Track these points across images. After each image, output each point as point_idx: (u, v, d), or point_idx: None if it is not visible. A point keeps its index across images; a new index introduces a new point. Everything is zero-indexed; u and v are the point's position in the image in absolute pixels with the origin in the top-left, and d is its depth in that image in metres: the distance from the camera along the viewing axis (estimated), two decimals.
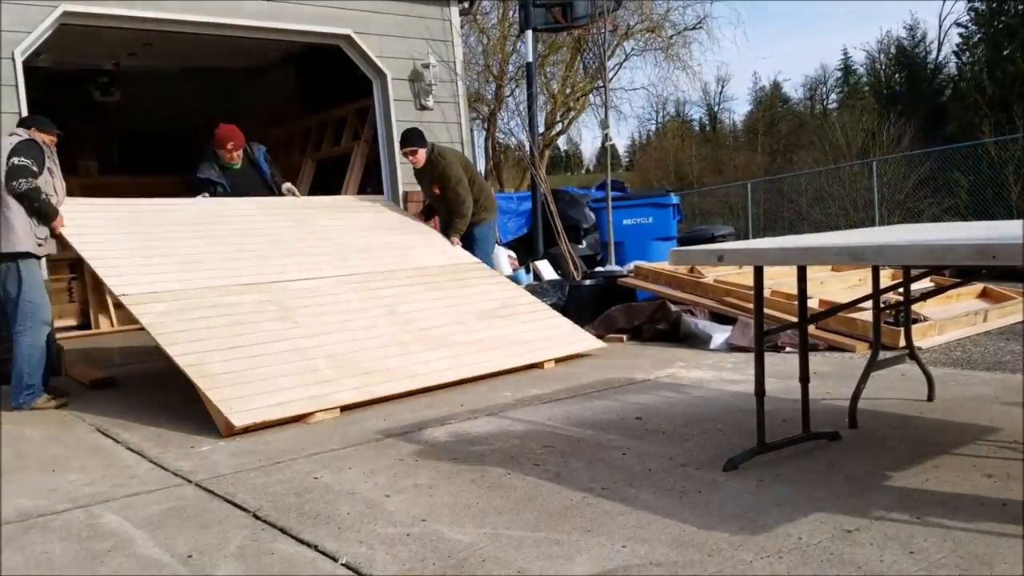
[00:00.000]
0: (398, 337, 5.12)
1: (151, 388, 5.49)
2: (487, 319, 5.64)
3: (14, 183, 4.79)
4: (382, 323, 5.23)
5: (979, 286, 6.82)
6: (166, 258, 5.21)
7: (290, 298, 5.18)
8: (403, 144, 6.88)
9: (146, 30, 6.93)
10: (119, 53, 8.48)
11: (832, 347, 5.51)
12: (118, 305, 8.52)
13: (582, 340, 5.85)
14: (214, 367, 4.35)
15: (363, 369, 4.71)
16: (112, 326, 8.59)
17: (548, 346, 5.57)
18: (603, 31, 8.67)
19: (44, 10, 6.17)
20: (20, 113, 6.08)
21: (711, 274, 6.63)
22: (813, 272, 6.81)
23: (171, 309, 4.74)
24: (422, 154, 6.73)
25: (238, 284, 5.16)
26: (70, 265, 8.72)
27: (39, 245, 4.94)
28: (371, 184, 8.77)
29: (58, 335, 6.60)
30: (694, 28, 21.89)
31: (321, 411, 4.29)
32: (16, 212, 4.83)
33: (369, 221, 6.71)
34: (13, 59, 6.05)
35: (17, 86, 6.07)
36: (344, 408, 4.39)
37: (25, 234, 4.84)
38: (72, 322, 8.63)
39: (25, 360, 4.89)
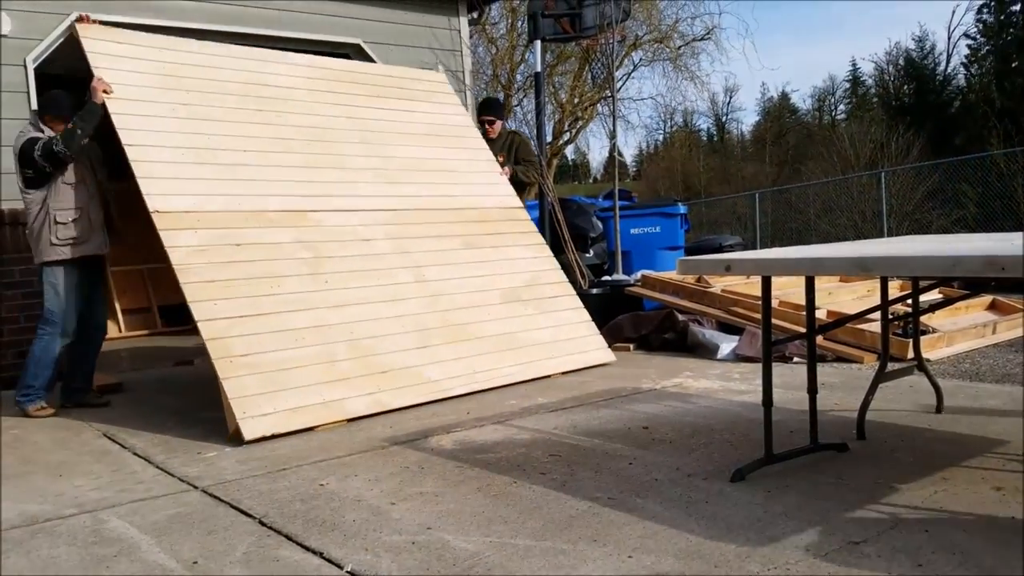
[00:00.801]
0: (421, 321, 5.06)
1: (158, 393, 5.51)
2: (510, 303, 5.57)
3: (36, 156, 4.71)
4: (410, 295, 5.14)
5: (988, 298, 6.79)
6: (203, 165, 4.91)
7: (325, 240, 5.05)
8: (482, 111, 7.02)
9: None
10: None
11: (840, 358, 5.49)
12: (126, 311, 8.58)
13: (595, 349, 5.81)
14: (235, 346, 4.28)
15: (379, 367, 4.68)
16: (120, 332, 8.61)
17: (560, 354, 5.55)
18: (611, 42, 8.69)
19: (56, 18, 6.22)
20: None
21: (718, 284, 6.62)
22: (821, 283, 6.79)
23: (203, 243, 4.56)
24: (499, 125, 6.95)
25: (277, 211, 4.98)
26: None
27: (69, 245, 4.84)
28: None
29: None
30: (702, 39, 21.94)
31: (332, 423, 4.29)
32: (38, 221, 4.81)
33: (423, 118, 6.30)
34: (25, 66, 6.10)
35: (28, 92, 6.12)
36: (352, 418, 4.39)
37: (45, 243, 4.81)
38: None
39: (33, 362, 4.90)
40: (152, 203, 4.53)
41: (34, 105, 6.15)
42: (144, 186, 4.56)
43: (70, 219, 4.84)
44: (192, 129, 4.98)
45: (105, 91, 4.74)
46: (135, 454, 3.95)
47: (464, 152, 6.34)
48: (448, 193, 5.92)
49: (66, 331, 4.93)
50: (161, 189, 4.63)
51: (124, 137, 4.67)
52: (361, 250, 5.16)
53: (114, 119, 4.74)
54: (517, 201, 6.39)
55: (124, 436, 4.30)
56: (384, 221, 5.41)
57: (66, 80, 8.96)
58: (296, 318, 4.59)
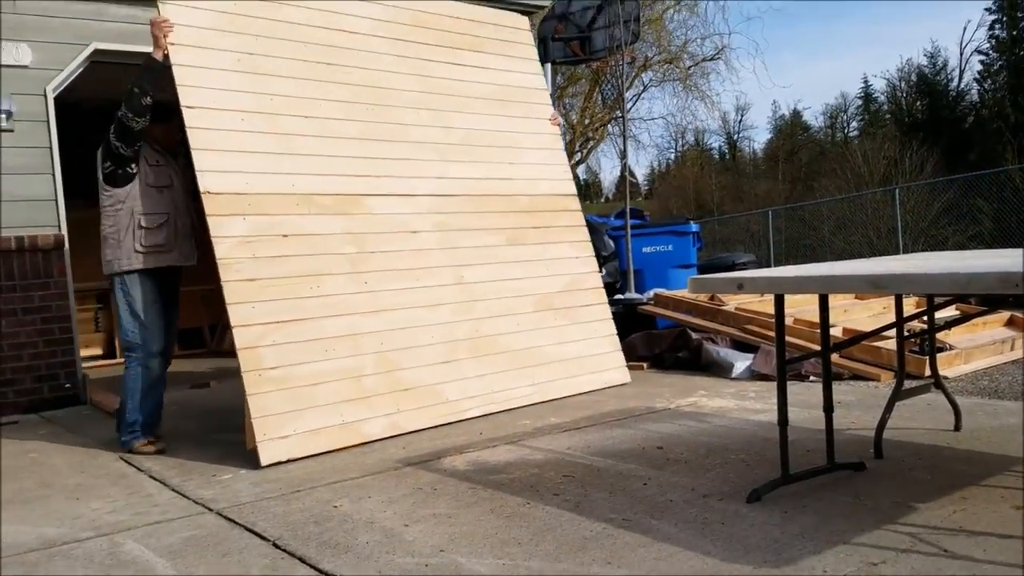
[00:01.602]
0: (452, 331, 5.00)
1: (174, 417, 5.53)
2: (543, 311, 5.51)
3: (111, 137, 4.40)
4: (446, 299, 5.05)
5: (1006, 314, 6.74)
6: (262, 135, 4.59)
7: (372, 232, 4.86)
8: None
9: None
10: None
11: (857, 376, 5.45)
12: None
13: (613, 368, 5.78)
14: (267, 357, 4.20)
15: (401, 384, 4.65)
16: None
17: (579, 372, 5.52)
18: (621, 63, 8.73)
19: (75, 48, 6.31)
20: (51, 148, 6.20)
21: (732, 302, 6.60)
22: (836, 300, 6.76)
23: (250, 232, 4.35)
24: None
25: (330, 195, 4.75)
26: (96, 295, 8.85)
27: (153, 253, 4.44)
28: None
29: (84, 364, 6.70)
30: (712, 59, 22.01)
31: (347, 447, 4.29)
32: (119, 226, 4.42)
33: (494, 77, 5.87)
34: (45, 96, 6.19)
35: (48, 121, 6.20)
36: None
37: (127, 250, 4.41)
38: (98, 351, 8.74)
39: (128, 396, 4.47)
40: (204, 181, 4.28)
41: (54, 133, 6.24)
42: (198, 160, 4.30)
43: (156, 224, 4.44)
44: (255, 87, 4.64)
45: (164, 35, 4.26)
46: (151, 477, 3.96)
47: (528, 123, 5.98)
48: (503, 175, 5.67)
49: (153, 351, 4.48)
50: (214, 164, 4.35)
51: (183, 96, 4.34)
52: (407, 244, 5.00)
53: (174, 72, 4.36)
54: (571, 186, 6.11)
55: (140, 459, 4.32)
56: (435, 209, 5.22)
57: (86, 108, 9.11)
58: (331, 324, 4.51)
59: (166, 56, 4.30)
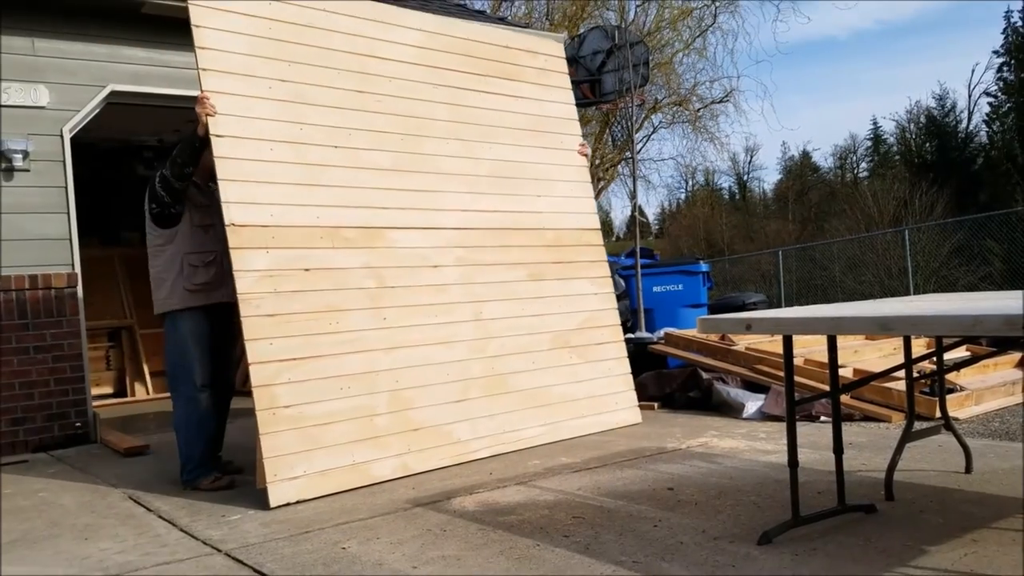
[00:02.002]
0: (467, 369, 4.99)
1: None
2: (558, 349, 5.49)
3: (151, 200, 4.50)
4: (463, 335, 5.04)
5: (1016, 355, 6.70)
6: (290, 165, 4.56)
7: (394, 266, 4.84)
8: None
9: (190, 108, 7.16)
10: (163, 129, 8.79)
11: (867, 417, 5.42)
12: (154, 373, 8.68)
13: (625, 408, 5.76)
14: (282, 396, 4.20)
15: (413, 423, 4.64)
16: (148, 394, 8.71)
17: (590, 413, 5.50)
18: (631, 106, 8.84)
19: (92, 90, 6.43)
20: (67, 187, 6.29)
21: (742, 342, 6.59)
22: (847, 340, 6.75)
23: (273, 267, 4.33)
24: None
25: (354, 228, 4.73)
26: (108, 333, 8.91)
27: (202, 291, 4.50)
28: None
29: (95, 403, 6.73)
30: (721, 101, 22.20)
31: (354, 488, 4.28)
32: (166, 267, 4.50)
33: (527, 107, 5.84)
34: (62, 136, 6.29)
35: (64, 161, 6.30)
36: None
37: (177, 289, 4.48)
38: (108, 390, 8.77)
39: (181, 430, 4.53)
40: (229, 213, 4.26)
41: (70, 173, 6.34)
42: (224, 190, 4.28)
43: (204, 263, 4.51)
44: (285, 115, 4.62)
45: (208, 114, 4.29)
46: (160, 517, 3.96)
47: (558, 155, 5.95)
48: (531, 208, 5.66)
49: (200, 386, 4.50)
50: (241, 195, 4.34)
51: (212, 125, 4.32)
52: (427, 279, 4.98)
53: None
54: (595, 220, 6.08)
55: (149, 499, 4.32)
56: (458, 243, 5.19)
57: (101, 148, 9.26)
58: (347, 362, 4.49)
59: (207, 131, 4.31)
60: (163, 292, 4.53)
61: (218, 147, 4.31)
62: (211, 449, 4.59)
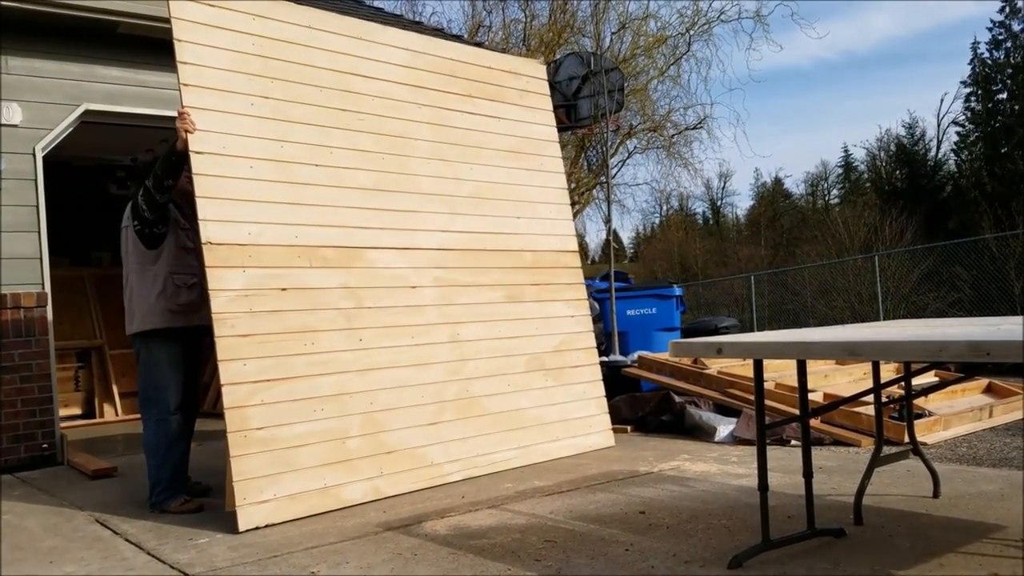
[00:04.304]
0: (441, 391, 4.96)
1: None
2: (533, 371, 5.48)
3: (133, 217, 4.46)
4: (439, 356, 5.01)
5: (984, 381, 6.80)
6: (270, 183, 4.52)
7: (371, 285, 4.81)
8: None
9: (164, 128, 7.14)
10: (137, 149, 8.73)
11: (837, 441, 5.47)
12: (124, 394, 8.56)
13: (598, 431, 5.76)
14: (253, 418, 4.14)
15: (386, 446, 4.60)
16: (117, 415, 8.59)
17: (564, 436, 5.51)
18: (606, 131, 8.93)
19: (66, 108, 6.39)
20: (38, 206, 6.23)
21: (715, 365, 6.64)
22: (817, 365, 6.81)
23: (249, 286, 4.28)
24: None
25: (333, 247, 4.70)
26: (77, 354, 8.79)
27: (184, 313, 4.46)
28: None
29: (63, 424, 6.63)
30: (695, 128, 22.44)
31: (325, 512, 4.24)
32: (148, 286, 4.44)
33: (509, 128, 5.86)
34: (34, 154, 6.24)
35: (36, 180, 6.24)
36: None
37: (158, 309, 4.42)
38: (77, 411, 8.64)
39: (149, 455, 4.49)
40: (207, 231, 4.20)
41: (41, 192, 6.28)
42: (202, 208, 4.23)
43: (188, 284, 4.48)
44: (267, 133, 4.58)
45: (188, 130, 4.24)
46: (127, 540, 3.90)
47: (539, 176, 5.98)
48: (509, 230, 5.66)
49: (171, 407, 4.46)
50: (220, 213, 4.28)
51: (193, 141, 4.27)
52: (405, 300, 4.96)
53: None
54: (573, 243, 6.11)
55: (116, 521, 4.26)
56: (436, 263, 5.18)
57: (74, 167, 9.18)
58: (321, 383, 4.45)
59: (186, 146, 4.26)
60: (143, 311, 4.46)
61: (197, 164, 4.28)
62: (180, 472, 4.53)
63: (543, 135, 6.13)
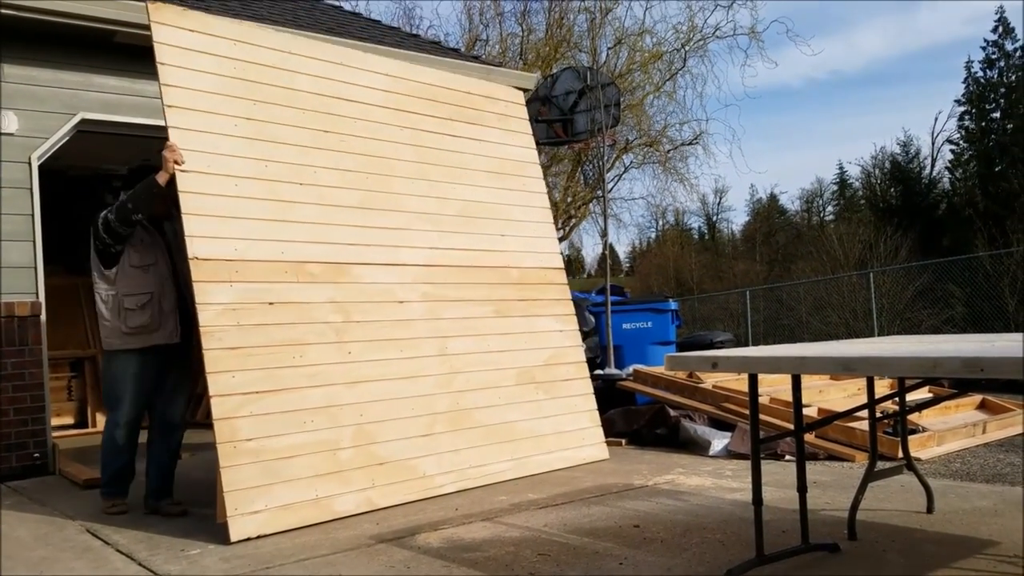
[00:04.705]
0: (432, 403, 4.97)
1: (143, 488, 5.42)
2: (523, 385, 5.49)
3: (94, 237, 4.53)
4: (428, 370, 5.03)
5: (978, 397, 6.81)
6: (256, 201, 4.58)
7: (360, 300, 4.86)
8: None
9: (161, 138, 7.13)
10: (133, 158, 8.73)
11: (832, 456, 5.47)
12: None
13: (591, 444, 5.76)
14: (243, 429, 4.15)
15: (378, 458, 4.60)
16: None
17: (557, 449, 5.50)
18: (602, 145, 8.97)
19: (62, 117, 6.39)
20: (33, 215, 6.22)
21: (709, 379, 6.64)
22: (812, 380, 6.82)
23: (236, 300, 4.32)
24: None
25: (320, 263, 4.74)
26: (71, 364, 8.75)
27: (139, 335, 4.49)
28: None
29: (55, 433, 6.59)
30: (690, 143, 22.54)
31: (317, 523, 4.21)
32: (107, 307, 4.53)
33: (490, 150, 5.96)
34: (30, 163, 6.24)
35: (32, 189, 6.24)
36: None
37: (115, 332, 4.51)
38: (69, 420, 8.60)
39: (102, 453, 4.67)
40: (193, 247, 4.25)
41: (37, 201, 6.27)
42: (188, 224, 4.28)
43: (139, 304, 4.48)
44: (251, 152, 4.66)
45: (176, 162, 4.27)
46: (117, 550, 3.88)
47: (522, 195, 6.09)
48: (495, 247, 5.74)
49: (119, 421, 4.55)
50: (206, 230, 4.34)
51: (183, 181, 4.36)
52: (393, 314, 5.00)
53: (170, 134, 4.37)
54: (559, 260, 6.20)
55: (107, 532, 4.23)
56: (424, 279, 5.23)
57: (70, 176, 9.18)
58: (311, 395, 4.47)
59: (170, 180, 4.30)
60: (104, 331, 4.57)
61: (183, 182, 4.34)
62: (120, 478, 4.67)
63: (524, 157, 6.27)
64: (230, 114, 4.63)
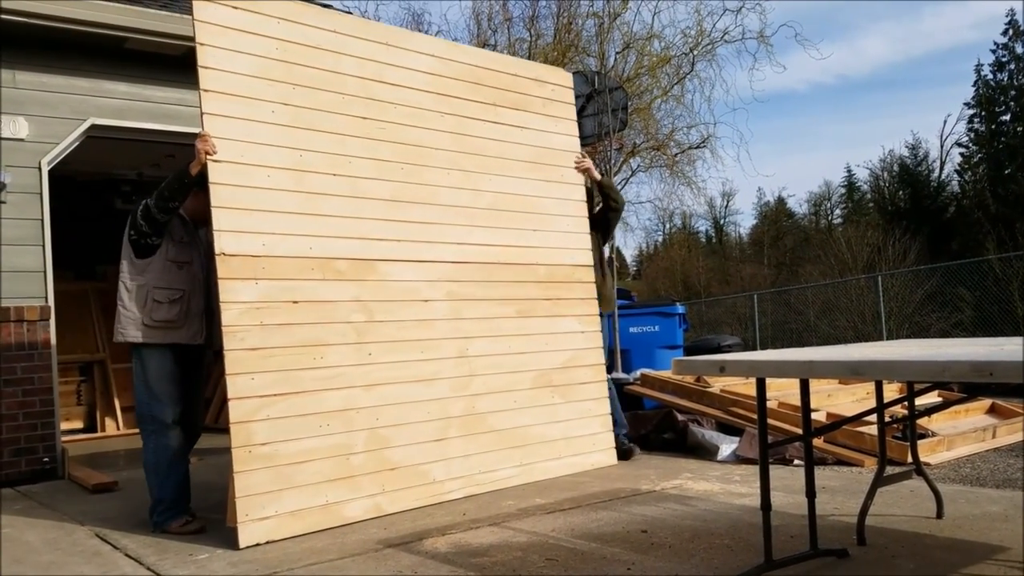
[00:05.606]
0: (446, 407, 4.90)
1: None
2: (539, 388, 5.42)
3: (131, 227, 4.38)
4: (445, 372, 4.95)
5: (987, 401, 6.78)
6: (287, 193, 4.44)
7: (384, 299, 4.74)
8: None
9: (170, 143, 7.18)
10: (142, 164, 8.78)
11: (840, 461, 5.45)
12: (125, 408, 8.56)
13: (601, 450, 5.72)
14: (258, 433, 4.09)
15: (389, 463, 4.56)
16: (118, 429, 8.58)
17: (566, 454, 5.47)
18: (609, 149, 8.96)
19: (72, 123, 6.43)
20: (43, 220, 6.26)
21: (717, 384, 6.62)
22: (820, 384, 6.80)
23: (261, 298, 4.22)
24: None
25: (347, 260, 4.62)
26: (80, 368, 8.80)
27: (161, 328, 4.34)
28: None
29: (64, 438, 6.62)
30: (698, 147, 22.50)
31: (326, 529, 4.22)
32: (133, 296, 4.34)
33: (531, 138, 5.74)
34: (40, 168, 6.27)
35: (42, 194, 6.27)
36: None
37: (136, 322, 4.33)
38: (79, 424, 8.64)
39: (151, 471, 4.36)
40: (220, 242, 4.12)
41: (47, 206, 6.31)
42: (217, 219, 4.14)
43: (169, 299, 4.35)
44: (286, 141, 4.49)
45: (208, 152, 4.16)
46: (126, 555, 3.89)
47: (559, 188, 5.85)
48: (525, 243, 5.55)
49: (167, 421, 4.35)
50: (234, 223, 4.20)
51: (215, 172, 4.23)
52: (416, 314, 4.87)
53: (205, 121, 4.22)
54: (588, 257, 5.94)
55: (116, 536, 4.24)
56: (450, 277, 5.09)
57: (79, 181, 9.23)
58: (328, 399, 4.38)
59: (202, 169, 4.19)
60: (122, 322, 4.38)
61: (215, 173, 4.19)
62: (182, 491, 4.40)
63: (565, 145, 6.00)
64: (268, 99, 4.47)
